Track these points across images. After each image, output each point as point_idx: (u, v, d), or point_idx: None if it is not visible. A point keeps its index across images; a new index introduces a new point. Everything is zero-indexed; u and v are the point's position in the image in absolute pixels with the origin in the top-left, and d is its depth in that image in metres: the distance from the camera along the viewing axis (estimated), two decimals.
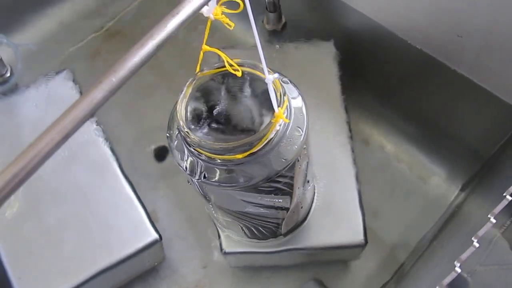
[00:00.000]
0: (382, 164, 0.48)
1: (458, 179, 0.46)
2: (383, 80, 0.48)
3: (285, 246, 0.38)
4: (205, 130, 0.27)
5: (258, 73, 0.27)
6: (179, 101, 0.27)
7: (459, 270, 0.18)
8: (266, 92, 0.26)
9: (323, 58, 0.47)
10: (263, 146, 0.25)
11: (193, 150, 0.26)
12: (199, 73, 0.28)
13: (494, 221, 0.19)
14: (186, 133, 0.26)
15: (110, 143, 0.43)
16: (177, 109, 0.27)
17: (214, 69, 0.28)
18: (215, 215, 0.36)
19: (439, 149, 0.47)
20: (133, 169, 0.47)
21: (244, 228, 0.35)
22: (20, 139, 0.43)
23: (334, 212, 0.39)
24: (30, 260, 0.39)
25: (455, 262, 0.19)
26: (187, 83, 0.28)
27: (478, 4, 0.33)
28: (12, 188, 0.15)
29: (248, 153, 0.25)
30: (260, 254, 0.39)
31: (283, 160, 0.26)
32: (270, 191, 0.29)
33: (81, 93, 0.46)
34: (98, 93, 0.17)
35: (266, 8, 0.46)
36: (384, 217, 0.46)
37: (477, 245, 0.19)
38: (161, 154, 0.51)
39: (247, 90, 0.28)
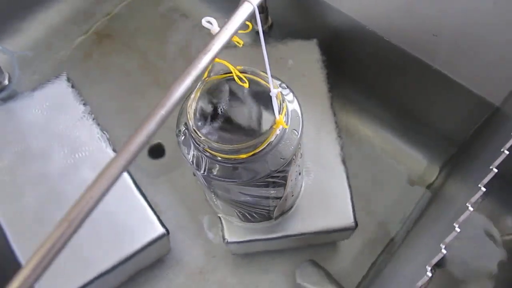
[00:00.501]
0: (365, 152, 0.52)
1: (436, 163, 0.50)
2: (364, 75, 0.51)
3: (282, 232, 0.42)
4: (210, 129, 0.29)
5: (262, 81, 0.30)
6: (188, 103, 0.30)
7: (444, 252, 0.22)
8: (265, 95, 0.29)
9: (307, 56, 0.50)
10: (264, 147, 0.28)
11: (200, 148, 0.29)
12: (206, 79, 0.31)
13: (472, 209, 0.23)
14: (196, 134, 0.29)
15: (112, 144, 0.45)
16: (187, 110, 0.29)
17: (220, 75, 0.31)
18: (215, 202, 0.39)
19: (418, 136, 0.51)
20: (132, 167, 0.50)
21: (239, 213, 0.39)
22: (24, 144, 0.44)
23: (326, 198, 0.43)
24: None
25: (441, 245, 0.22)
26: (196, 88, 0.30)
27: (452, 7, 0.37)
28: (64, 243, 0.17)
29: (251, 153, 0.28)
30: (259, 241, 0.43)
31: (282, 160, 0.29)
32: (266, 185, 0.33)
33: (79, 94, 0.47)
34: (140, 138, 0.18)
35: None
36: (368, 200, 0.50)
37: (458, 230, 0.22)
38: (157, 151, 0.53)
39: (249, 94, 0.31)
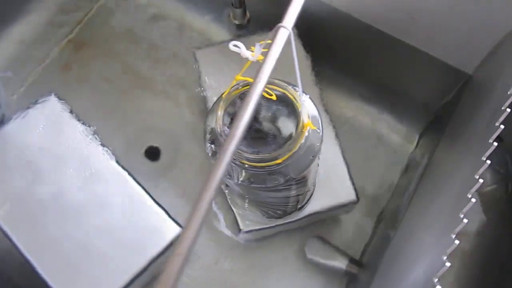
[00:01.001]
0: (348, 127, 0.56)
1: (416, 131, 0.54)
2: (341, 56, 0.54)
3: (293, 217, 0.45)
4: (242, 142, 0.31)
5: (288, 94, 0.32)
6: (217, 117, 0.31)
7: (466, 221, 0.26)
8: (284, 102, 0.31)
9: (287, 44, 0.52)
10: (297, 150, 0.31)
11: (237, 161, 0.31)
12: (233, 92, 0.32)
13: (481, 180, 0.26)
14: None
15: (115, 156, 0.46)
16: (217, 128, 0.31)
17: (239, 89, 0.33)
18: (237, 202, 0.41)
19: (396, 108, 0.55)
20: (132, 172, 0.51)
21: (264, 212, 0.42)
22: (30, 168, 0.45)
23: (327, 178, 0.46)
24: (69, 275, 0.42)
25: (460, 215, 0.26)
26: (221, 102, 0.32)
27: None
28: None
29: (286, 157, 0.30)
30: (271, 228, 0.46)
31: (312, 157, 0.32)
32: (294, 184, 0.35)
33: (71, 112, 0.48)
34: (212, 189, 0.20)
35: (232, 4, 0.50)
36: (357, 173, 0.54)
37: (474, 200, 0.26)
38: (153, 154, 0.55)
39: (270, 103, 0.33)
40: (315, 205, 0.45)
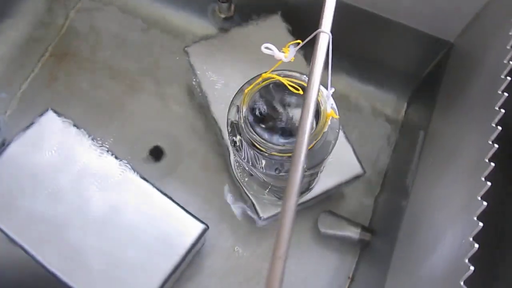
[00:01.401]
0: (342, 103, 0.58)
1: (403, 99, 0.58)
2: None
3: (307, 196, 0.47)
4: (266, 133, 0.33)
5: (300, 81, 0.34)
6: (241, 110, 0.33)
7: (489, 184, 0.29)
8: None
9: (275, 30, 0.53)
10: (321, 137, 0.33)
11: (266, 154, 0.33)
12: (255, 88, 0.34)
13: (493, 164, 0.30)
14: (261, 141, 0.32)
15: (130, 164, 0.47)
16: (242, 121, 0.33)
17: (258, 84, 0.34)
18: (254, 188, 0.43)
19: (383, 80, 0.58)
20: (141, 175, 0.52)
21: (276, 194, 0.44)
22: (44, 187, 0.45)
23: (333, 154, 0.49)
24: (101, 285, 0.43)
25: (482, 178, 0.29)
26: (244, 97, 0.33)
27: None
28: None
29: (311, 146, 0.32)
30: None
31: (333, 142, 0.34)
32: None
33: (75, 126, 0.48)
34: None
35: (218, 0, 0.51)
36: (356, 145, 0.57)
37: (492, 164, 0.29)
38: (156, 154, 0.55)
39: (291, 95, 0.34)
40: (326, 182, 0.48)
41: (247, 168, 0.37)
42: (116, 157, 0.47)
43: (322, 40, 0.28)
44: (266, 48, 0.30)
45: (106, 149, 0.47)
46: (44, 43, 0.58)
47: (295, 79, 0.34)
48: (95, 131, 0.53)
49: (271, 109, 0.34)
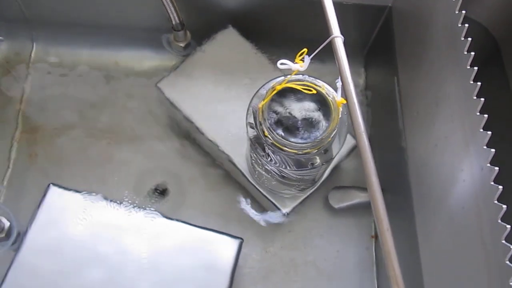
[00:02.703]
0: None
1: (360, 66, 0.63)
2: (276, 31, 0.60)
3: (319, 183, 0.51)
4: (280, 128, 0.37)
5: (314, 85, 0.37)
6: (260, 113, 0.36)
7: (486, 116, 0.34)
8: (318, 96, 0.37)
9: (233, 41, 0.56)
10: (337, 124, 0.36)
11: (290, 154, 0.36)
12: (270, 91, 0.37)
13: (479, 83, 0.35)
14: (284, 145, 0.35)
15: (147, 208, 0.48)
16: (259, 120, 0.36)
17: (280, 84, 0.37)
18: (273, 183, 0.46)
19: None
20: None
21: (299, 188, 0.47)
22: (80, 262, 0.45)
23: None
24: None
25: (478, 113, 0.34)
26: (259, 112, 0.36)
27: None
28: None
29: (331, 136, 0.36)
30: (304, 199, 0.52)
31: (346, 124, 0.38)
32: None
33: (80, 192, 0.48)
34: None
35: (173, 28, 0.53)
36: None
37: (482, 99, 0.34)
38: (160, 192, 0.57)
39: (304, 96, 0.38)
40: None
41: (278, 173, 0.40)
42: (132, 206, 0.48)
43: (338, 44, 0.32)
44: (282, 64, 0.33)
45: (119, 202, 0.48)
46: (11, 125, 0.57)
47: (301, 81, 0.37)
48: (96, 188, 0.54)
49: (287, 114, 0.37)
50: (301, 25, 0.59)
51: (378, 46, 0.59)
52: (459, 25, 0.39)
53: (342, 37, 0.33)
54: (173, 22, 0.51)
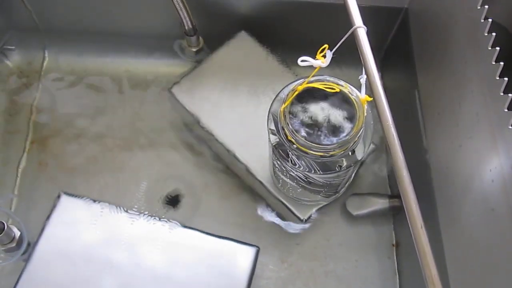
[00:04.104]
0: None
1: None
2: (289, 35, 0.59)
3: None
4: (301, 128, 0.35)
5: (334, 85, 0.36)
6: (282, 117, 0.35)
7: None
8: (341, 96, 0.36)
9: (246, 45, 0.55)
10: (362, 125, 0.35)
11: (321, 155, 0.35)
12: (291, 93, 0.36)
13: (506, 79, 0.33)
14: (300, 144, 0.34)
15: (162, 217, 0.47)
16: (282, 124, 0.35)
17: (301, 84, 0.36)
18: (298, 191, 0.45)
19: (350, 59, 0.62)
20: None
21: (325, 194, 0.46)
22: (95, 271, 0.44)
23: None
24: None
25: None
26: (281, 116, 0.35)
27: None
28: None
29: (359, 132, 0.35)
30: (323, 206, 0.50)
31: (371, 123, 0.37)
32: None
33: (94, 201, 0.47)
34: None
35: (186, 34, 0.52)
36: None
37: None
38: (173, 200, 0.55)
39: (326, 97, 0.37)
40: None
41: (304, 179, 0.39)
42: (145, 215, 0.47)
43: (361, 35, 0.30)
44: (303, 61, 0.31)
45: (131, 211, 0.47)
46: (21, 133, 0.56)
47: (322, 82, 0.36)
48: (108, 197, 0.53)
49: (310, 117, 0.36)
50: (314, 28, 0.58)
51: (395, 48, 0.58)
52: (482, 21, 0.38)
53: (365, 27, 0.32)
54: (186, 27, 0.51)
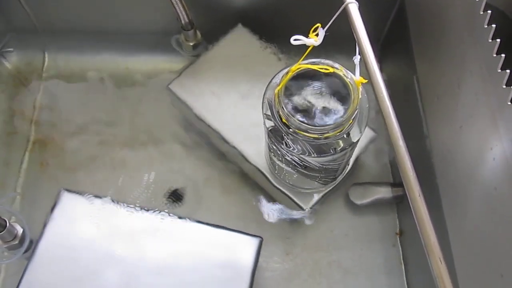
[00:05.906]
0: None
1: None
2: (290, 26, 0.59)
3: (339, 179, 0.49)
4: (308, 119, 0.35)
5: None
6: (277, 100, 0.35)
7: None
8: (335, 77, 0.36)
9: (244, 39, 0.55)
10: (356, 107, 0.35)
11: (317, 137, 0.35)
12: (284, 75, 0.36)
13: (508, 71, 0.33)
14: (304, 130, 0.34)
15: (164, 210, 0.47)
16: (276, 107, 0.35)
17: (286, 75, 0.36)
18: (294, 177, 0.45)
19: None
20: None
21: (321, 181, 0.45)
22: (89, 268, 0.44)
23: None
24: None
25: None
26: (275, 99, 0.35)
27: None
28: None
29: (354, 114, 0.35)
30: (325, 194, 0.50)
31: (367, 106, 0.37)
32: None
33: (96, 196, 0.47)
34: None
35: (183, 28, 0.52)
36: None
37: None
38: (176, 196, 0.55)
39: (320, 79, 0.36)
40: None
41: (299, 163, 0.39)
42: (147, 210, 0.47)
43: (353, 10, 0.30)
44: (295, 39, 0.31)
45: (133, 206, 0.47)
46: (23, 133, 0.57)
47: (316, 64, 0.36)
48: (110, 194, 0.52)
49: (304, 99, 0.35)
50: (312, 21, 0.57)
51: (393, 37, 0.58)
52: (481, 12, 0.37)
53: (357, 2, 0.32)
54: (183, 22, 0.51)
